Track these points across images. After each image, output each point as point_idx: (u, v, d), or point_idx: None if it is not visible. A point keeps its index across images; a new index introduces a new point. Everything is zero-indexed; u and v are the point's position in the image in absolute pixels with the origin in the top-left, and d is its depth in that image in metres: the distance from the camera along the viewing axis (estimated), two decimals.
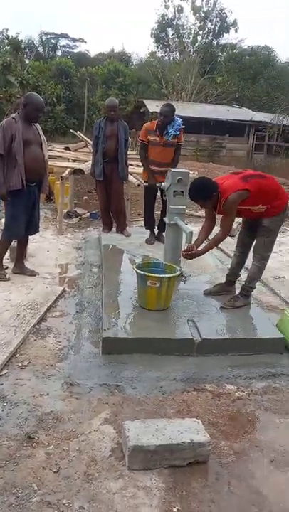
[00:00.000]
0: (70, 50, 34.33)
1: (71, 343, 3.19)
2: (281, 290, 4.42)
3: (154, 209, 5.50)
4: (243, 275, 3.99)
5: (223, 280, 4.02)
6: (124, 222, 5.82)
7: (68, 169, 6.67)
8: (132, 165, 6.80)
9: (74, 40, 34.41)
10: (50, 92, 21.88)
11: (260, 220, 3.57)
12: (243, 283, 3.79)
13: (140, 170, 5.93)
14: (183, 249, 3.79)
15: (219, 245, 5.33)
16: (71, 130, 14.63)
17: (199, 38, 27.73)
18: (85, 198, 8.59)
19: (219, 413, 2.53)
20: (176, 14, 27.67)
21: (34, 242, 5.29)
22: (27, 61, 26.04)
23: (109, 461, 2.10)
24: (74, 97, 24.49)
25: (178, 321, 3.41)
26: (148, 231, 5.54)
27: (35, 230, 4.40)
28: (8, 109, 17.57)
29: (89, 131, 16.94)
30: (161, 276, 3.40)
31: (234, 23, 28.01)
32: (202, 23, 27.48)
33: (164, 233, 4.79)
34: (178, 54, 28.42)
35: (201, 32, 27.70)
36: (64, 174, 6.42)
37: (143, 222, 5.81)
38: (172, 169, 4.23)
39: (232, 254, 4.01)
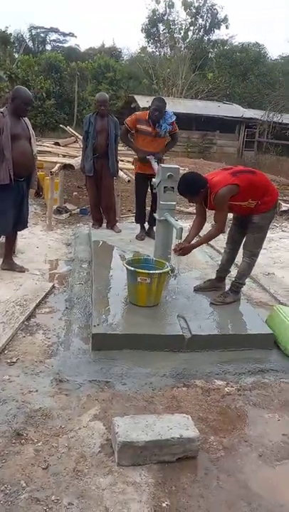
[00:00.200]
0: (60, 45, 34.07)
1: (60, 339, 3.18)
2: (271, 286, 4.45)
3: (145, 202, 5.48)
4: (233, 271, 4.00)
5: (213, 276, 4.03)
6: (114, 218, 5.80)
7: (58, 164, 6.63)
8: (122, 160, 6.78)
9: (64, 34, 34.19)
10: (40, 86, 21.65)
11: (250, 216, 3.58)
12: (233, 279, 3.80)
13: (130, 165, 5.91)
14: (173, 245, 3.79)
15: (209, 242, 5.34)
16: (61, 125, 14.55)
17: (190, 33, 27.67)
18: (75, 193, 8.54)
19: (209, 409, 2.54)
20: (167, 9, 27.56)
21: (23, 238, 5.25)
22: (16, 55, 25.76)
23: (98, 457, 2.10)
24: (64, 91, 24.28)
25: (168, 317, 3.41)
26: (138, 227, 5.53)
27: (24, 226, 4.37)
28: None
29: (79, 126, 16.83)
30: (151, 272, 3.39)
31: (225, 20, 28.01)
32: (193, 19, 27.41)
33: (154, 228, 4.78)
34: (169, 49, 28.31)
35: (192, 28, 27.64)
36: (54, 169, 6.38)
37: (134, 217, 5.79)
38: (162, 165, 4.22)
39: (222, 251, 4.02)
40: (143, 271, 3.39)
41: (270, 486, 2.03)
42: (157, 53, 29.11)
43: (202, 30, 28.08)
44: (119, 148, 5.69)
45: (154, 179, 4.26)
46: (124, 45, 57.02)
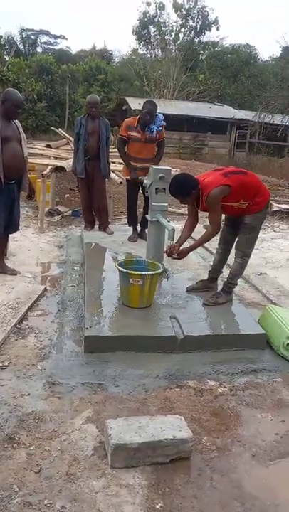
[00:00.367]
0: (51, 47, 34.09)
1: (53, 342, 3.16)
2: (263, 286, 4.46)
3: (136, 204, 5.48)
4: (226, 272, 4.01)
5: (205, 277, 4.04)
6: (106, 219, 5.79)
7: (50, 167, 6.61)
8: (114, 162, 6.78)
9: (55, 36, 34.22)
10: (31, 89, 21.63)
11: (242, 217, 3.59)
12: (226, 280, 3.81)
13: (122, 167, 5.91)
14: (165, 246, 3.79)
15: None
16: (52, 128, 14.49)
17: (181, 35, 27.70)
18: (67, 195, 8.52)
19: (202, 409, 2.54)
20: (158, 11, 27.58)
21: (15, 240, 5.22)
22: (7, 58, 25.68)
23: (91, 460, 2.09)
24: (55, 94, 24.24)
25: (161, 318, 3.40)
26: (131, 229, 5.52)
27: (15, 229, 4.35)
28: None
29: (71, 128, 16.77)
30: (143, 273, 3.39)
31: (216, 21, 28.10)
32: (184, 21, 27.45)
33: (146, 230, 4.79)
34: (160, 51, 28.37)
35: (182, 29, 27.67)
36: (45, 172, 6.36)
37: (126, 219, 5.79)
38: (154, 166, 4.22)
39: (214, 252, 4.03)
40: (135, 272, 3.38)
41: (264, 486, 2.03)
42: (148, 55, 29.18)
43: (193, 32, 28.16)
44: (110, 150, 5.69)
45: (145, 181, 4.26)
46: (115, 47, 57.20)
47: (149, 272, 3.43)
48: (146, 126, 4.92)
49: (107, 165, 5.48)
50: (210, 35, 29.54)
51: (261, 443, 2.30)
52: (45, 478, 1.96)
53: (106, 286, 3.89)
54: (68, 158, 7.17)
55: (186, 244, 3.72)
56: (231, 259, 3.85)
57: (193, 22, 27.94)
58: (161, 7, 27.40)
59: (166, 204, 4.11)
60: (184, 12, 27.23)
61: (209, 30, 28.34)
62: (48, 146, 9.66)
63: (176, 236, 3.64)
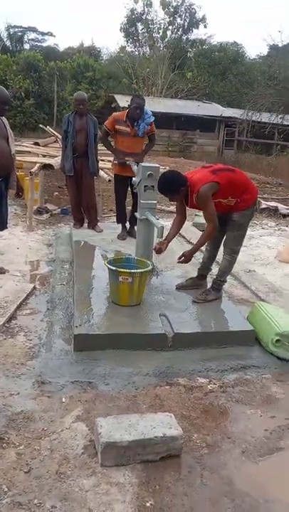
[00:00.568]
0: (39, 44, 33.68)
1: (42, 340, 3.14)
2: (252, 283, 4.48)
3: (125, 201, 5.46)
4: (215, 269, 4.02)
5: (194, 274, 4.04)
6: (95, 217, 5.77)
7: (38, 164, 6.56)
8: (102, 160, 6.75)
9: (42, 33, 33.82)
10: (19, 86, 21.46)
11: (230, 214, 3.60)
12: (215, 277, 3.82)
13: (110, 165, 5.89)
14: (154, 244, 3.78)
15: (191, 240, 5.36)
16: (40, 125, 14.41)
17: (169, 33, 27.72)
18: (56, 193, 8.47)
19: (192, 406, 2.54)
20: (146, 9, 27.56)
21: (3, 239, 5.17)
22: None
23: (81, 458, 2.08)
24: (43, 91, 24.06)
25: (150, 315, 3.40)
26: (120, 226, 5.51)
27: (3, 227, 4.31)
28: None
29: (59, 126, 16.65)
30: (132, 271, 3.38)
31: (203, 19, 28.16)
32: (171, 18, 27.46)
33: (135, 227, 4.78)
34: (148, 49, 28.34)
35: (170, 27, 27.69)
36: (33, 169, 6.31)
37: (115, 217, 5.78)
38: (142, 164, 4.21)
39: (203, 249, 4.03)
40: (125, 270, 3.37)
41: (254, 482, 2.04)
42: (136, 53, 29.12)
43: (181, 29, 28.19)
44: (99, 147, 5.67)
45: (134, 178, 4.25)
46: (103, 44, 56.93)
47: (138, 270, 3.43)
48: (135, 121, 4.91)
49: (95, 162, 5.46)
50: (198, 33, 29.68)
51: (251, 439, 2.32)
52: (35, 478, 1.95)
53: (95, 285, 3.87)
54: (57, 156, 7.12)
55: (184, 245, 3.71)
56: (220, 256, 3.86)
57: (181, 19, 27.99)
58: (149, 4, 27.41)
59: (155, 202, 4.10)
60: (172, 9, 27.24)
61: (197, 27, 28.42)
62: (36, 143, 9.58)
63: (165, 234, 3.64)
